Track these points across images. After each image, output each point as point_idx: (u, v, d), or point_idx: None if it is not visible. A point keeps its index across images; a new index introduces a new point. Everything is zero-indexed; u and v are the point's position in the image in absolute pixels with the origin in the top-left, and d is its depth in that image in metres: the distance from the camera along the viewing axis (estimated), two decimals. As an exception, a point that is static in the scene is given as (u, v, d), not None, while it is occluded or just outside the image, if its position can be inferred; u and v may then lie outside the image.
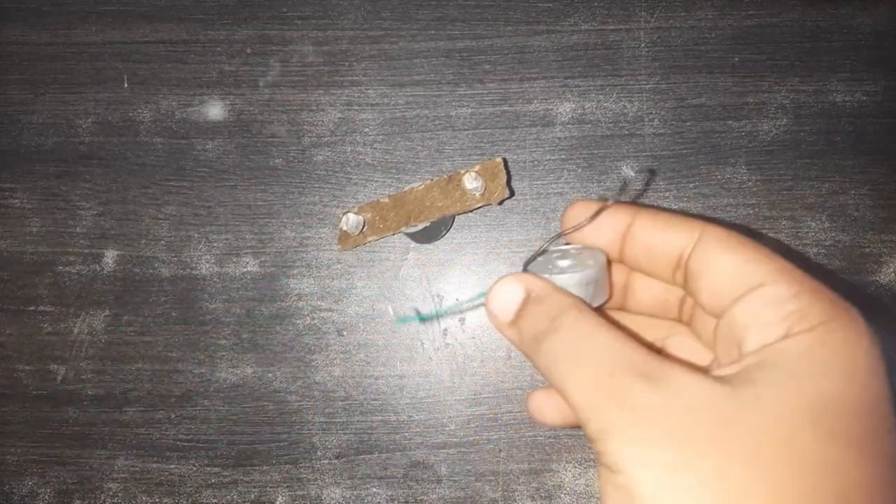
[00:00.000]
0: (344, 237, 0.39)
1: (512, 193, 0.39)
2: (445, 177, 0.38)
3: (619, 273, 0.29)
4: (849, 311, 0.23)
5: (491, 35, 0.41)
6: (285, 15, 0.41)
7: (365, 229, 0.39)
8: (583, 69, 0.41)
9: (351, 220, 0.38)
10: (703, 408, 0.20)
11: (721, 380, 0.21)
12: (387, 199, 0.38)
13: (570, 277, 0.26)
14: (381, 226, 0.38)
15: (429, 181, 0.38)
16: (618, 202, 0.26)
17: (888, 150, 0.40)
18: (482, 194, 0.37)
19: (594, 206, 0.26)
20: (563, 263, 0.27)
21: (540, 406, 0.29)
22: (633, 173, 0.26)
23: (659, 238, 0.26)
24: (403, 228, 0.38)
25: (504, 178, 0.37)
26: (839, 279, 0.40)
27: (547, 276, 0.26)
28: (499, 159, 0.37)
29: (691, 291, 0.25)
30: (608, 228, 0.27)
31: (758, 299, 0.23)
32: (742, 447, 0.20)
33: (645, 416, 0.21)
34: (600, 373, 0.22)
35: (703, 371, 0.22)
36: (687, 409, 0.20)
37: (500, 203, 0.38)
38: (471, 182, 0.37)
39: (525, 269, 0.27)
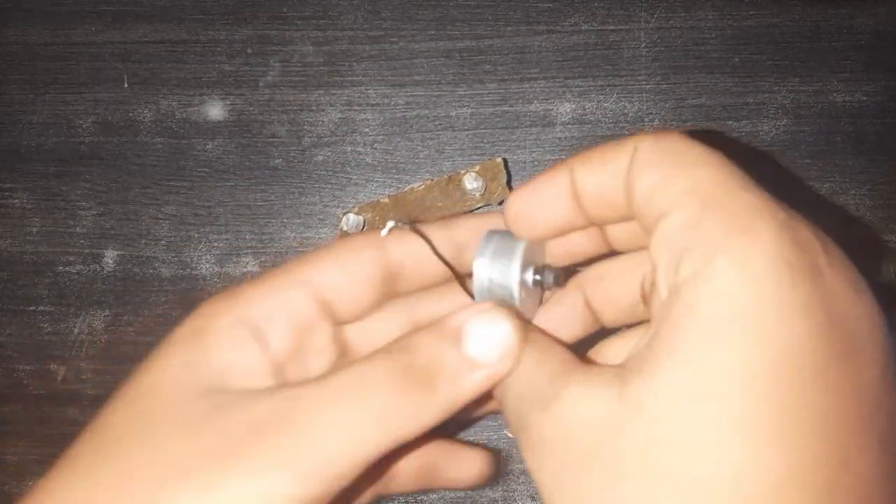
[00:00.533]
0: (344, 237, 0.39)
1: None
2: (445, 177, 0.38)
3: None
4: (753, 234, 0.17)
5: (491, 35, 0.41)
6: (285, 15, 0.42)
7: (365, 229, 0.39)
8: (583, 69, 0.41)
9: (351, 221, 0.38)
10: (590, 425, 0.18)
11: (613, 380, 0.18)
12: (387, 200, 0.38)
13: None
14: (381, 226, 0.38)
15: (429, 181, 0.38)
16: (550, 168, 0.23)
17: (888, 150, 0.40)
18: (482, 195, 0.37)
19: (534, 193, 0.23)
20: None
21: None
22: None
23: (601, 178, 0.21)
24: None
25: (504, 178, 0.37)
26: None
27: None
28: (499, 160, 0.38)
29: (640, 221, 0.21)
30: (553, 198, 0.23)
31: (660, 234, 0.19)
32: (628, 467, 0.17)
33: (540, 450, 0.19)
34: (515, 411, 0.20)
35: (607, 372, 0.19)
36: (574, 432, 0.18)
37: (501, 203, 0.38)
38: (471, 182, 0.37)
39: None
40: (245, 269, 0.40)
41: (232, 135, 0.41)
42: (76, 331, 0.40)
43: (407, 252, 0.26)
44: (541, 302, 0.26)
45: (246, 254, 0.40)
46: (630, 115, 0.41)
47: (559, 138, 0.40)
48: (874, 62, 0.41)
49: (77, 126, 0.41)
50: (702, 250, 0.17)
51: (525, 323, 0.23)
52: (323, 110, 0.41)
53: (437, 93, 0.41)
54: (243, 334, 0.23)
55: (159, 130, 0.41)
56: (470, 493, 0.39)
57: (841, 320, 0.17)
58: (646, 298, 0.23)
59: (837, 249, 0.19)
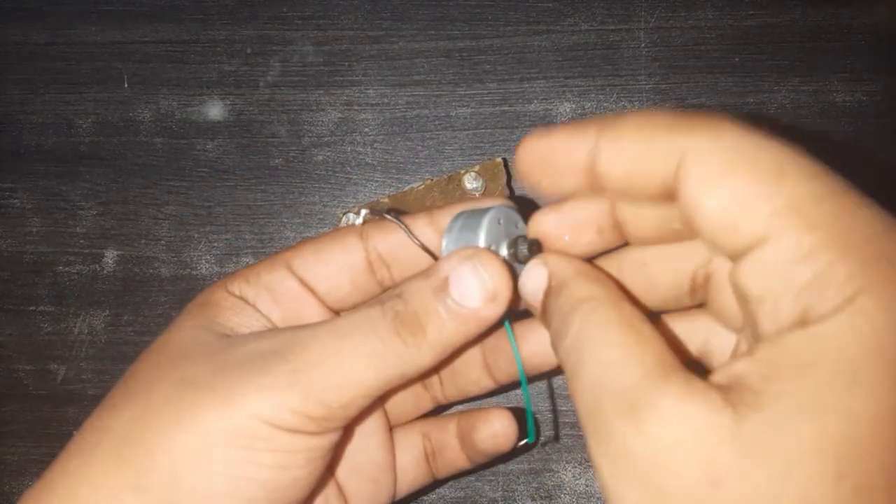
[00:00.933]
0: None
1: (512, 193, 0.39)
2: (445, 177, 0.38)
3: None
4: (892, 265, 0.15)
5: (491, 35, 0.41)
6: (285, 15, 0.42)
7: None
8: (583, 69, 0.41)
9: (351, 221, 0.38)
10: (693, 450, 0.15)
11: (722, 405, 0.15)
12: (386, 200, 0.38)
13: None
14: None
15: (429, 181, 0.38)
16: (574, 125, 0.20)
17: (888, 150, 0.40)
18: (482, 194, 0.37)
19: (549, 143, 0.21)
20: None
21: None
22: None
23: (632, 167, 0.19)
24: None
25: (504, 178, 0.37)
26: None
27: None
28: (499, 159, 0.37)
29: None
30: (567, 167, 0.20)
31: (762, 261, 0.16)
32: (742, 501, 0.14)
33: (622, 467, 0.16)
34: (589, 398, 0.18)
35: (701, 392, 0.16)
36: (671, 453, 0.15)
37: None
38: (471, 182, 0.37)
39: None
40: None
41: (232, 135, 0.41)
42: (76, 331, 0.40)
43: (390, 242, 0.27)
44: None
45: (246, 254, 0.40)
46: (630, 115, 0.41)
47: (559, 138, 0.40)
48: (874, 62, 0.41)
49: (77, 126, 0.41)
50: (834, 286, 0.15)
51: (582, 269, 0.21)
52: (323, 110, 0.41)
53: (437, 93, 0.41)
54: (239, 303, 0.26)
55: (159, 130, 0.41)
56: (470, 493, 0.39)
57: None
58: (695, 292, 0.22)
59: None
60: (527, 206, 0.40)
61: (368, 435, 0.28)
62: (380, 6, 0.41)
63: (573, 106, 0.41)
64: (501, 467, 0.39)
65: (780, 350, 0.15)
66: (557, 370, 0.25)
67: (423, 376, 0.28)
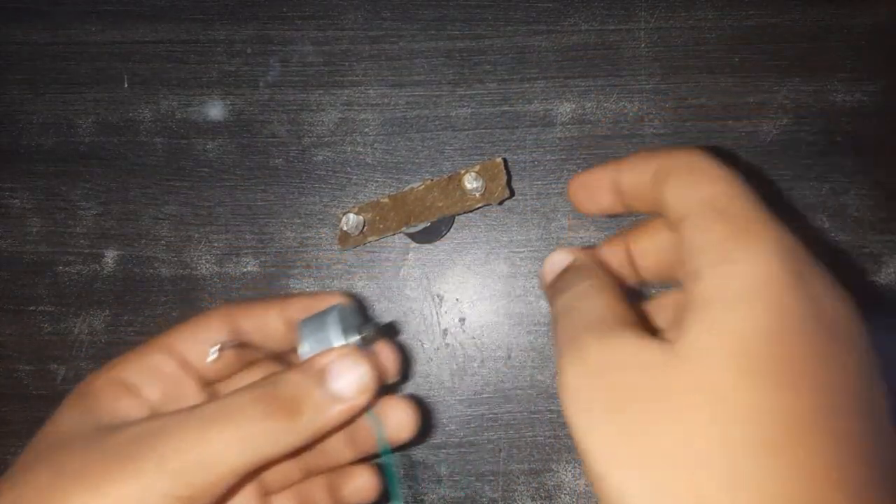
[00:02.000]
0: (344, 237, 0.39)
1: (512, 193, 0.39)
2: (446, 177, 0.38)
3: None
4: (754, 234, 0.22)
5: (491, 35, 0.41)
6: (285, 15, 0.42)
7: (365, 229, 0.39)
8: (583, 69, 0.41)
9: (351, 221, 0.38)
10: (638, 368, 0.21)
11: (663, 341, 0.21)
12: (387, 200, 0.38)
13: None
14: (382, 226, 0.38)
15: (429, 181, 0.38)
16: (604, 165, 0.28)
17: (888, 150, 0.40)
18: (482, 194, 0.37)
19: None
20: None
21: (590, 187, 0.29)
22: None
23: (637, 181, 0.26)
24: (404, 228, 0.38)
25: (504, 178, 0.37)
26: (839, 279, 0.40)
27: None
28: (499, 159, 0.38)
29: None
30: (601, 189, 0.28)
31: (688, 231, 0.23)
32: (671, 406, 0.20)
33: (583, 367, 0.22)
34: (573, 326, 0.23)
35: (644, 332, 0.23)
36: (628, 368, 0.21)
37: (501, 203, 0.38)
38: (471, 182, 0.37)
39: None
40: (245, 269, 0.40)
41: (232, 135, 0.41)
42: (76, 331, 0.40)
43: (254, 326, 0.31)
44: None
45: (246, 254, 0.40)
46: (630, 114, 0.41)
47: (559, 138, 0.40)
48: (875, 62, 0.41)
49: (77, 126, 0.41)
50: (726, 245, 0.22)
51: (595, 259, 0.28)
52: (323, 110, 0.41)
53: (437, 93, 0.41)
54: (118, 388, 0.28)
55: (159, 130, 0.41)
56: (470, 493, 0.39)
57: (823, 306, 0.22)
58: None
59: (816, 260, 0.24)
60: (528, 209, 0.40)
61: None
62: (380, 6, 0.41)
63: (573, 106, 0.41)
64: (502, 467, 0.39)
65: (692, 295, 0.21)
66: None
67: (294, 455, 0.30)
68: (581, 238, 0.40)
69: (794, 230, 0.24)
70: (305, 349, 0.28)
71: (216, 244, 0.40)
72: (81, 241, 0.41)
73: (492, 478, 0.39)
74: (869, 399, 0.21)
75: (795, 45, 0.41)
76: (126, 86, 0.41)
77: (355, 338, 0.29)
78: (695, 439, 0.19)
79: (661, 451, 0.19)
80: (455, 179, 0.38)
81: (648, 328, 0.24)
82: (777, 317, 0.20)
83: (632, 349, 0.21)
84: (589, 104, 0.41)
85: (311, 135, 0.41)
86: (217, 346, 0.30)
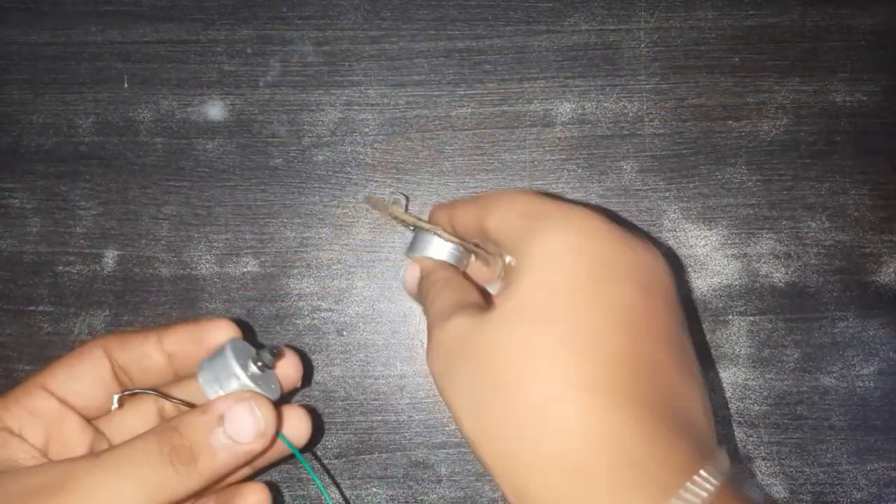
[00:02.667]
0: (377, 202, 0.38)
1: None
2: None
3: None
4: (544, 218, 0.27)
5: (491, 35, 0.41)
6: (285, 15, 0.42)
7: (402, 209, 0.36)
8: (583, 69, 0.41)
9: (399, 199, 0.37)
10: (461, 334, 0.25)
11: (481, 311, 0.26)
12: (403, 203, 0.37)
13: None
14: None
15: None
16: (445, 204, 0.33)
17: (888, 150, 0.40)
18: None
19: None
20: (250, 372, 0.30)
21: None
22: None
23: (467, 220, 0.31)
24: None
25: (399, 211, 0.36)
26: (839, 279, 0.40)
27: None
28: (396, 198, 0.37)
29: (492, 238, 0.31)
30: (443, 222, 0.33)
31: (499, 238, 0.28)
32: (493, 356, 0.24)
33: (434, 351, 0.26)
34: (430, 321, 0.28)
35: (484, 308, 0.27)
36: (454, 337, 0.26)
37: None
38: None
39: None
40: (245, 269, 0.40)
41: (232, 135, 0.41)
42: (76, 331, 0.40)
43: (131, 358, 0.31)
44: (274, 370, 0.32)
45: (246, 254, 0.40)
46: (630, 114, 0.41)
47: (559, 138, 0.40)
48: (874, 62, 0.41)
49: (77, 126, 0.41)
50: (526, 238, 0.26)
51: (439, 263, 0.33)
52: (323, 110, 0.41)
53: (437, 93, 0.41)
54: (2, 435, 0.28)
55: (159, 130, 0.41)
56: (470, 493, 0.39)
57: (599, 256, 0.25)
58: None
59: (614, 225, 0.27)
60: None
61: None
62: (380, 6, 0.41)
63: (573, 106, 0.41)
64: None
65: (508, 275, 0.27)
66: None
67: (194, 496, 0.31)
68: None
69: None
70: (202, 381, 0.29)
71: (216, 244, 0.40)
72: (81, 241, 0.41)
73: (491, 478, 0.39)
74: (667, 329, 0.25)
75: (795, 45, 0.41)
76: (126, 86, 0.42)
77: (253, 370, 0.30)
78: (512, 370, 0.24)
79: (499, 385, 0.24)
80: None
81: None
82: (561, 274, 0.25)
83: (462, 324, 0.26)
84: (589, 104, 0.41)
85: (311, 135, 0.41)
86: (117, 395, 0.30)
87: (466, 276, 0.33)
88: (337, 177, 0.41)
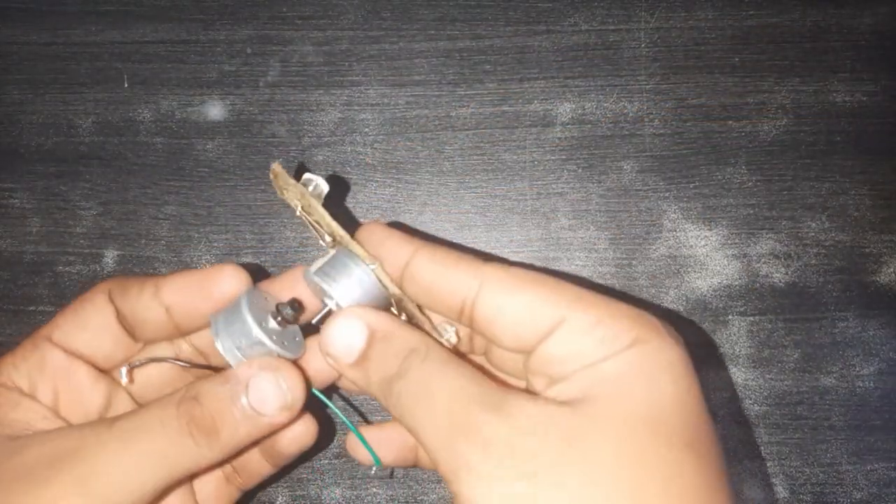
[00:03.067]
0: (285, 180, 0.28)
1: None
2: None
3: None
4: (653, 324, 0.23)
5: (491, 35, 0.41)
6: (285, 15, 0.42)
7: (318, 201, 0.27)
8: (583, 69, 0.41)
9: (315, 181, 0.27)
10: (547, 431, 0.21)
11: (560, 402, 0.22)
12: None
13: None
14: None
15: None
16: (402, 235, 0.26)
17: (888, 150, 0.40)
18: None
19: (384, 232, 0.26)
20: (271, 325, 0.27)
21: (355, 447, 0.29)
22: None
23: (439, 280, 0.24)
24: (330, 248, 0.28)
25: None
26: (839, 279, 0.40)
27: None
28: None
29: (487, 336, 0.24)
30: (389, 260, 0.25)
31: (566, 333, 0.23)
32: (589, 463, 0.20)
33: (494, 450, 0.20)
34: (451, 409, 0.22)
35: (542, 397, 0.22)
36: (532, 435, 0.21)
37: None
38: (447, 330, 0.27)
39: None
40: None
41: (232, 135, 0.41)
42: (76, 331, 0.40)
43: (128, 309, 0.28)
44: (299, 327, 0.28)
45: (246, 254, 0.40)
46: (630, 115, 0.41)
47: (559, 138, 0.40)
48: (874, 62, 0.41)
49: (77, 126, 0.41)
50: (625, 331, 0.22)
51: (399, 321, 0.25)
52: (323, 110, 0.41)
53: (437, 93, 0.41)
54: (11, 395, 0.26)
55: (159, 130, 0.41)
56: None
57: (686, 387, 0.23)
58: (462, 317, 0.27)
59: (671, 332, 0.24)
60: (528, 209, 0.40)
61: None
62: (380, 6, 0.41)
63: (573, 106, 0.41)
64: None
65: (592, 376, 0.22)
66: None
67: (213, 468, 0.29)
68: (581, 238, 0.40)
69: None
70: (220, 347, 0.26)
71: (216, 244, 0.40)
72: (81, 241, 0.41)
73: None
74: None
75: (795, 45, 0.41)
76: (126, 86, 0.42)
77: (273, 325, 0.26)
78: (613, 494, 0.20)
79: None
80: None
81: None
82: (685, 394, 0.22)
83: (539, 414, 0.21)
84: (589, 104, 0.41)
85: (311, 135, 0.41)
86: (125, 368, 0.28)
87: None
88: (337, 177, 0.41)
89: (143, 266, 0.40)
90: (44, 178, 0.41)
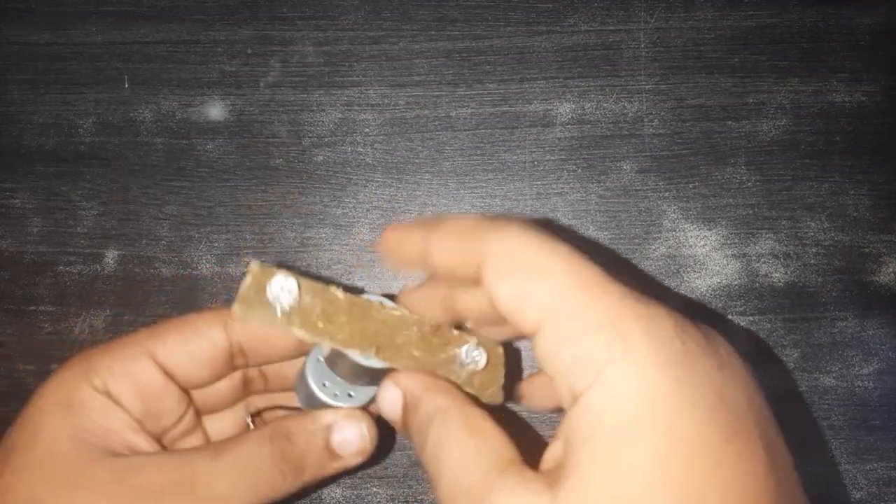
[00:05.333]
0: (251, 300, 0.28)
1: (505, 400, 0.29)
2: (433, 324, 0.28)
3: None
4: (628, 340, 0.19)
5: (491, 36, 0.41)
6: (285, 15, 0.42)
7: (294, 310, 0.27)
8: (583, 70, 0.41)
9: (276, 286, 0.27)
10: None
11: (542, 489, 0.19)
12: (342, 296, 0.28)
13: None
14: (321, 325, 0.27)
15: (407, 313, 0.28)
16: (414, 224, 0.26)
17: (888, 150, 0.40)
18: (475, 377, 0.28)
19: (405, 232, 0.26)
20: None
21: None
22: None
23: (452, 258, 0.23)
24: (356, 354, 0.27)
25: (502, 376, 0.29)
26: (839, 279, 0.40)
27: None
28: (500, 350, 0.29)
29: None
30: (411, 254, 0.25)
31: (544, 343, 0.20)
32: None
33: None
34: (447, 498, 0.21)
35: (539, 477, 0.20)
36: None
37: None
38: (469, 355, 0.28)
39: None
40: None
41: (232, 135, 0.41)
42: (77, 331, 0.40)
43: (253, 336, 0.29)
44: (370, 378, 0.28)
45: (246, 254, 0.40)
46: (630, 115, 0.41)
47: (559, 138, 0.41)
48: (874, 62, 0.41)
49: (77, 126, 0.41)
50: (590, 363, 0.19)
51: (430, 383, 0.25)
52: (323, 110, 0.41)
53: (437, 93, 0.41)
54: (104, 402, 0.27)
55: (160, 130, 0.41)
56: (470, 492, 0.39)
57: (721, 400, 0.19)
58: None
59: (695, 327, 0.21)
60: (528, 209, 0.40)
61: None
62: (380, 6, 0.41)
63: (573, 106, 0.41)
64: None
65: (569, 425, 0.19)
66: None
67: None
68: (581, 238, 0.40)
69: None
70: (301, 404, 0.29)
71: (216, 244, 0.40)
72: (82, 241, 0.41)
73: (492, 477, 0.39)
74: (784, 478, 0.20)
75: (795, 45, 0.41)
76: (126, 86, 0.42)
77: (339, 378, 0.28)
78: None
79: None
80: (443, 334, 0.28)
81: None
82: (678, 439, 0.18)
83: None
84: (589, 104, 0.41)
85: (311, 135, 0.41)
86: (250, 415, 0.31)
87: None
88: (337, 177, 0.41)
89: (143, 266, 0.40)
90: (44, 179, 0.41)
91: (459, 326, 0.28)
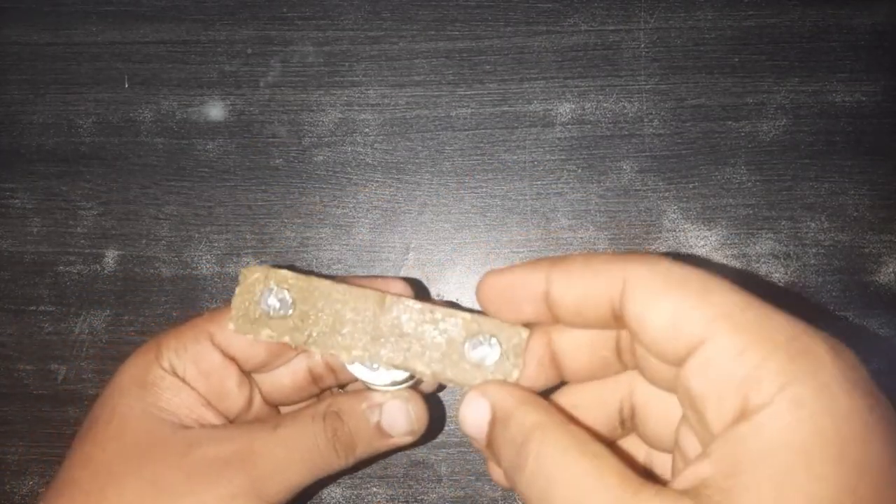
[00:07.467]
0: (246, 317, 0.27)
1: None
2: (471, 314, 0.26)
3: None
4: (815, 358, 0.18)
5: (491, 36, 0.41)
6: (285, 15, 0.42)
7: (292, 320, 0.27)
8: (583, 70, 0.41)
9: (272, 298, 0.27)
10: None
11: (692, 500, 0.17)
12: (340, 290, 0.27)
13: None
14: (318, 330, 0.27)
15: (423, 302, 0.26)
16: (529, 263, 0.23)
17: (888, 150, 0.40)
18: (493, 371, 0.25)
19: (507, 276, 0.23)
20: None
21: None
22: None
23: (582, 293, 0.21)
24: (363, 362, 0.28)
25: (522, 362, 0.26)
26: (839, 279, 0.40)
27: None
28: (525, 333, 0.25)
29: (641, 343, 0.21)
30: (525, 298, 0.23)
31: (703, 362, 0.19)
32: None
33: None
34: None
35: (683, 497, 0.17)
36: None
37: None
38: (481, 349, 0.25)
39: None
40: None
41: (232, 135, 0.41)
42: (77, 331, 0.40)
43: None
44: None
45: (246, 254, 0.40)
46: (629, 115, 0.41)
47: (559, 138, 0.41)
48: (874, 62, 0.41)
49: (78, 126, 0.41)
50: (768, 379, 0.17)
51: (524, 396, 0.23)
52: (323, 110, 0.41)
53: (437, 93, 0.41)
54: (174, 381, 0.29)
55: (160, 130, 0.41)
56: (470, 492, 0.39)
57: (891, 427, 0.17)
58: (624, 423, 0.25)
59: (851, 355, 0.19)
60: (528, 209, 0.40)
61: None
62: (380, 6, 0.41)
63: (573, 106, 0.41)
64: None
65: (733, 445, 0.17)
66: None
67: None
68: (581, 238, 0.40)
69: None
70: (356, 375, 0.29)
71: (216, 244, 0.40)
72: (82, 241, 0.41)
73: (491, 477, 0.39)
74: None
75: (795, 45, 0.41)
76: (126, 86, 0.42)
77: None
78: None
79: None
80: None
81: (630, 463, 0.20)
82: (867, 467, 0.16)
83: None
84: (589, 104, 0.41)
85: (311, 135, 0.41)
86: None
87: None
88: (337, 177, 0.41)
89: (143, 266, 0.40)
90: (44, 178, 0.41)
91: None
